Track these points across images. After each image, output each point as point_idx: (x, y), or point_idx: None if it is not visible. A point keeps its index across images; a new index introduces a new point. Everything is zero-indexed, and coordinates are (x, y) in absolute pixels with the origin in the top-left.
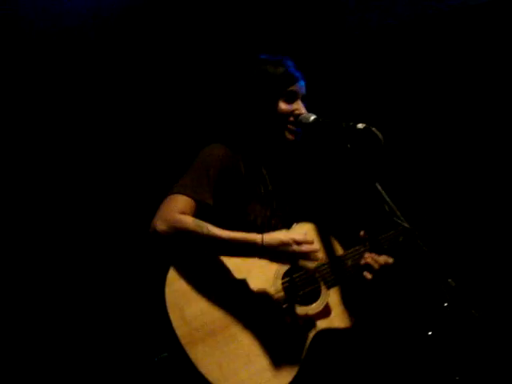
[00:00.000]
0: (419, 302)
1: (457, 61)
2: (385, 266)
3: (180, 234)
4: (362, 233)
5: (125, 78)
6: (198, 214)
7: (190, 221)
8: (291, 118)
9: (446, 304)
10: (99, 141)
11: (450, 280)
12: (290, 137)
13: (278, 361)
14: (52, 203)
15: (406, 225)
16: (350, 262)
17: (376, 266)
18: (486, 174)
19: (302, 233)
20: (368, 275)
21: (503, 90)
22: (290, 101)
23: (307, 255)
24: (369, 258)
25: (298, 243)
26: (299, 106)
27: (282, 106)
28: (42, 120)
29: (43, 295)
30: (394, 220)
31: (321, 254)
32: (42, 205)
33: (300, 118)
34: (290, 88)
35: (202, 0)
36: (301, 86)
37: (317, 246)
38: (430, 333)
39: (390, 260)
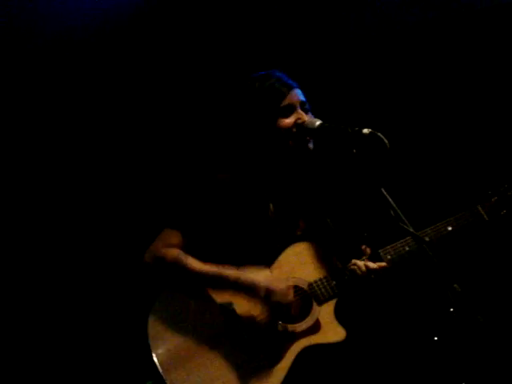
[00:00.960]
0: (425, 307)
1: (459, 65)
2: (372, 271)
3: (161, 266)
4: (363, 247)
5: (120, 96)
6: (189, 241)
7: (172, 255)
8: (294, 129)
9: (451, 309)
10: (102, 143)
11: (455, 285)
12: (290, 143)
13: (257, 380)
14: (52, 205)
15: (411, 230)
16: (345, 277)
17: (362, 270)
18: (492, 179)
19: (283, 265)
20: (361, 283)
21: None
22: (288, 114)
23: (276, 303)
24: (354, 265)
25: (270, 292)
26: (300, 115)
27: (282, 121)
28: (43, 120)
29: (39, 297)
30: (400, 225)
31: (308, 278)
32: (42, 206)
33: (305, 123)
34: (284, 102)
35: (200, 11)
36: (295, 94)
37: (304, 269)
38: (435, 338)
39: (374, 265)
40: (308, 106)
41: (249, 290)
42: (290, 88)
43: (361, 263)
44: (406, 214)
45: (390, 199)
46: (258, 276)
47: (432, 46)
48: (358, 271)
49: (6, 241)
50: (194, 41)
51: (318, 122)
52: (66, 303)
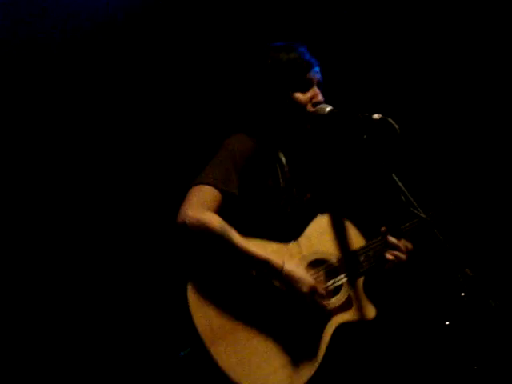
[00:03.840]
0: (436, 291)
1: (475, 50)
2: (408, 252)
3: (205, 233)
4: (383, 228)
5: (139, 69)
6: (223, 203)
7: (217, 224)
8: (310, 108)
9: (463, 294)
10: (111, 136)
11: (467, 270)
12: (308, 126)
13: (298, 356)
14: (57, 203)
15: (422, 215)
16: (371, 253)
17: (401, 252)
18: (505, 162)
19: (323, 286)
20: (391, 262)
21: None
22: (305, 89)
23: (313, 304)
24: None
25: (313, 291)
26: (316, 93)
27: (298, 95)
28: (44, 121)
29: (57, 295)
30: (411, 210)
31: (336, 252)
32: (47, 205)
33: (316, 108)
34: (305, 76)
35: None
36: (315, 72)
37: (331, 244)
38: (447, 323)
39: (410, 245)
40: (322, 87)
41: (292, 282)
42: (312, 65)
43: (402, 244)
44: (416, 198)
45: (401, 184)
46: (303, 272)
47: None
48: (400, 252)
49: (5, 241)
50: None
51: (329, 108)
52: (101, 266)
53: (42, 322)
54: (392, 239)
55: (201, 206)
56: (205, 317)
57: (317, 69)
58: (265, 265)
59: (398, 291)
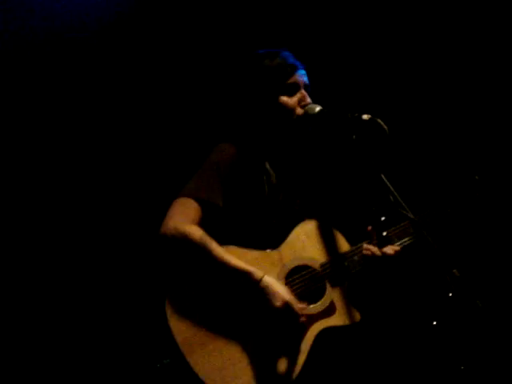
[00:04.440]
0: (424, 292)
1: (459, 52)
2: (386, 257)
3: (186, 245)
4: (369, 228)
5: (126, 79)
6: (206, 214)
7: (198, 235)
8: (299, 111)
9: (450, 294)
10: (104, 140)
11: (454, 270)
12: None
13: (279, 362)
14: (55, 204)
15: (410, 215)
16: (356, 258)
17: (376, 255)
18: (491, 163)
19: (300, 306)
20: (372, 266)
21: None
22: (292, 93)
23: (286, 320)
24: (368, 250)
25: (287, 307)
26: (303, 96)
27: (286, 99)
28: (42, 121)
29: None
30: (399, 211)
31: (320, 258)
32: (44, 206)
33: (306, 109)
34: (290, 80)
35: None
36: (301, 75)
37: (315, 249)
38: (434, 323)
39: (391, 251)
40: (309, 89)
41: (267, 295)
42: (297, 68)
43: (375, 249)
44: (405, 199)
45: (390, 185)
46: (281, 287)
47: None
48: (372, 255)
49: (5, 240)
50: (198, 17)
51: (318, 108)
52: (83, 279)
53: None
54: (366, 246)
55: (183, 219)
56: (183, 327)
57: (302, 71)
58: (243, 276)
59: (384, 293)
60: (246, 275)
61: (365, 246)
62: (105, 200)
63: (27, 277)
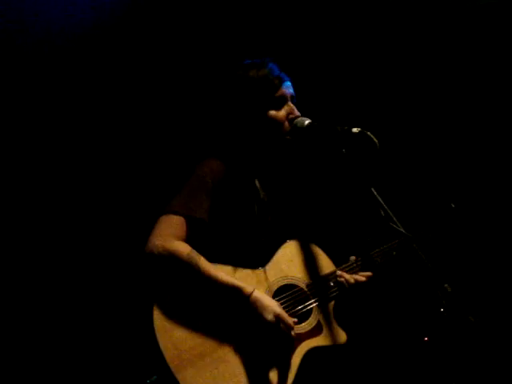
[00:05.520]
0: (416, 307)
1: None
2: (358, 284)
3: (173, 262)
4: (351, 257)
5: (116, 88)
6: (192, 230)
7: (185, 252)
8: (286, 125)
9: (442, 309)
10: (97, 144)
11: (446, 285)
12: (287, 137)
13: (268, 381)
14: (48, 207)
15: (401, 230)
16: (331, 284)
17: (349, 283)
18: (482, 178)
19: (290, 319)
20: (347, 292)
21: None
22: (279, 106)
23: (278, 333)
24: (341, 277)
25: (278, 320)
26: (291, 108)
27: (273, 113)
28: (41, 121)
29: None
30: (390, 225)
31: (304, 278)
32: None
33: (295, 122)
34: (277, 93)
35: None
36: (287, 87)
37: (299, 270)
38: (426, 338)
39: (362, 278)
40: (295, 100)
41: (258, 309)
42: (283, 80)
43: (348, 276)
44: (396, 213)
45: (380, 199)
46: (271, 301)
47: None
48: (346, 284)
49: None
50: (185, 27)
51: (308, 121)
52: (68, 294)
53: None
54: (340, 273)
55: (168, 235)
56: (171, 342)
57: (288, 83)
58: (232, 291)
59: (372, 312)
60: (235, 290)
61: (338, 272)
62: (86, 216)
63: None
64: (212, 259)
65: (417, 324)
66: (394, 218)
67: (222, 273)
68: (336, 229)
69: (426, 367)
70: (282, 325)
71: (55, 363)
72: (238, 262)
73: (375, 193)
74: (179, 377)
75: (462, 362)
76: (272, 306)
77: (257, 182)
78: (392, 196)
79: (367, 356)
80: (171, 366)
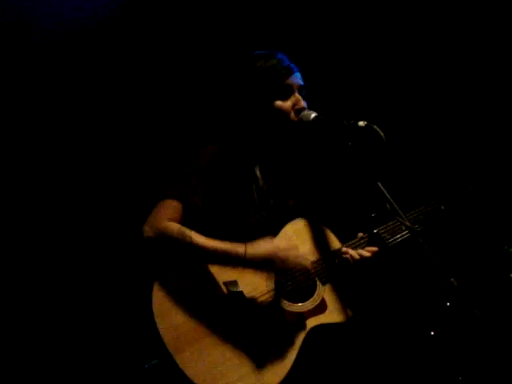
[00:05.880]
0: (422, 301)
1: (459, 59)
2: (364, 260)
3: (165, 241)
4: (359, 234)
5: (120, 78)
6: (187, 215)
7: (175, 229)
8: (292, 116)
9: (448, 303)
10: (96, 141)
11: (452, 279)
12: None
13: (267, 362)
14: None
15: (407, 223)
16: (336, 261)
17: (354, 259)
18: (488, 171)
19: (287, 238)
20: (351, 267)
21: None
22: (286, 96)
23: (293, 262)
24: (346, 253)
25: (283, 250)
26: (297, 99)
27: (280, 103)
28: (40, 121)
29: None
30: (396, 218)
31: (310, 256)
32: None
33: (301, 115)
34: (284, 82)
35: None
36: (295, 77)
37: (305, 247)
38: (432, 332)
39: (367, 254)
40: (304, 92)
41: (259, 260)
42: (292, 70)
43: (353, 252)
44: (401, 206)
45: (386, 192)
46: (266, 246)
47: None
48: (351, 260)
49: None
50: (194, 19)
51: (314, 115)
52: (66, 280)
53: None
54: (345, 249)
55: (161, 218)
56: (170, 324)
57: (297, 74)
58: (228, 256)
59: (377, 292)
60: (229, 254)
61: (344, 249)
62: (87, 202)
63: None
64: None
65: (423, 318)
66: (400, 212)
67: (214, 240)
68: (339, 212)
69: (431, 361)
70: (296, 253)
71: (53, 346)
72: (238, 239)
73: (381, 186)
74: (178, 358)
75: (468, 356)
76: (269, 250)
77: (257, 170)
78: (398, 189)
79: (372, 337)
80: (170, 349)
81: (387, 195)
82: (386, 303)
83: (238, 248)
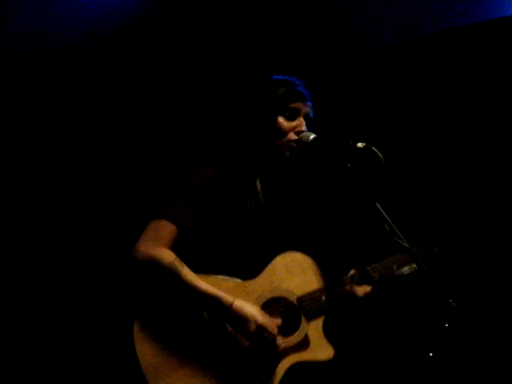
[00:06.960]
0: (420, 322)
1: (451, 79)
2: (352, 299)
3: (154, 268)
4: (351, 271)
5: (120, 93)
6: (179, 237)
7: (168, 259)
8: (292, 136)
9: (447, 325)
10: (95, 151)
11: (451, 300)
12: (286, 153)
13: None
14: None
15: (406, 245)
16: (323, 298)
17: (341, 298)
18: (487, 193)
19: (272, 323)
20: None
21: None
22: (290, 118)
23: (262, 343)
24: (334, 291)
25: (261, 329)
26: (300, 123)
27: (281, 121)
28: (39, 124)
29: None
30: (395, 240)
31: (297, 291)
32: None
33: (300, 136)
34: (292, 105)
35: (205, 17)
36: (305, 105)
37: (293, 282)
38: (431, 354)
39: (357, 293)
40: (311, 128)
41: (241, 319)
42: (304, 98)
43: (341, 290)
44: (400, 228)
45: (385, 214)
46: (253, 310)
47: (423, 62)
48: (338, 298)
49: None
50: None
51: (312, 136)
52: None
53: None
54: (332, 287)
55: (154, 241)
56: (149, 352)
57: (309, 103)
58: (213, 301)
59: (366, 329)
60: (216, 300)
61: (331, 286)
62: (83, 208)
63: None
64: (202, 268)
65: (421, 339)
66: (399, 233)
67: (204, 282)
68: (338, 242)
69: (430, 382)
70: (265, 334)
71: (44, 361)
72: (227, 272)
73: (380, 208)
74: None
75: (468, 378)
76: (254, 316)
77: (258, 183)
78: (397, 211)
79: (358, 373)
80: (148, 376)
81: (386, 216)
82: (383, 327)
83: (226, 298)
